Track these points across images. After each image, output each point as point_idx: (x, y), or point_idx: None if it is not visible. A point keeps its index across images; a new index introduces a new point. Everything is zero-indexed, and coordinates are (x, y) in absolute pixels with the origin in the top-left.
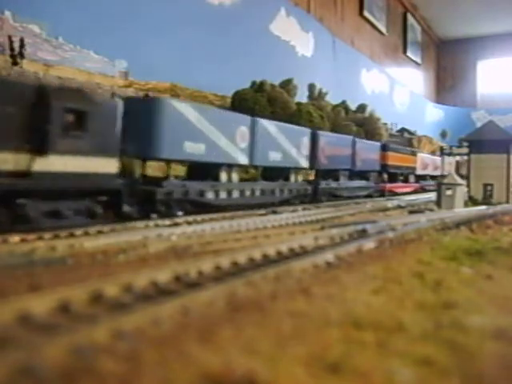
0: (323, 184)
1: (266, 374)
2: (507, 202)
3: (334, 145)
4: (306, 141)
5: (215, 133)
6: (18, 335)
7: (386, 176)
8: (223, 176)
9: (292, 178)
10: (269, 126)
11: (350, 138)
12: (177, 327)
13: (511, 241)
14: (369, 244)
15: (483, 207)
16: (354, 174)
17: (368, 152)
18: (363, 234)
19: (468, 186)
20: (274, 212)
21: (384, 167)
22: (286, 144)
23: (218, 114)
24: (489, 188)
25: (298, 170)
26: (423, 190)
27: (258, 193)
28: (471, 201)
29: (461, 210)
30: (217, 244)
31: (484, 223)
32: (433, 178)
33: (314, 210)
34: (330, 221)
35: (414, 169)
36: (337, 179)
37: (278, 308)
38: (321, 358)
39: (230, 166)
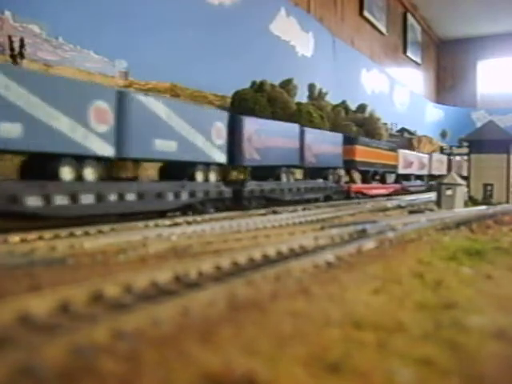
0: (252, 185)
1: (266, 374)
2: (507, 201)
3: (269, 134)
4: (220, 127)
5: None
6: (17, 335)
7: (356, 175)
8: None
9: (199, 176)
10: (151, 103)
11: (296, 126)
12: (177, 327)
13: (511, 241)
14: (369, 244)
15: (483, 207)
16: (312, 172)
17: (325, 145)
18: (363, 233)
19: (468, 186)
20: (274, 212)
21: (351, 164)
22: (187, 130)
23: None
24: (489, 188)
25: (208, 165)
26: (406, 191)
27: (130, 197)
28: (471, 201)
29: (461, 210)
30: (217, 244)
31: (484, 223)
32: (419, 177)
33: (314, 210)
34: (329, 221)
35: (394, 167)
36: (278, 178)
37: (278, 308)
38: (321, 358)
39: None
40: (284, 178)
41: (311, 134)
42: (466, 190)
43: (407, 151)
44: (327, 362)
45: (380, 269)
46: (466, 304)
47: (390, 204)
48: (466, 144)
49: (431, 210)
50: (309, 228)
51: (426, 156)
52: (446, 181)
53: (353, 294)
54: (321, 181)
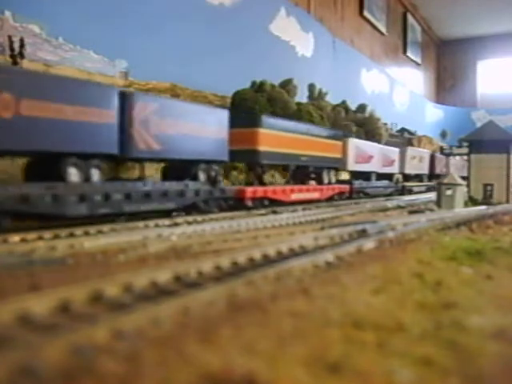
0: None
1: (266, 374)
2: (507, 201)
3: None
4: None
5: None
6: (17, 335)
7: (259, 170)
8: None
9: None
10: None
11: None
12: (177, 327)
13: (511, 241)
14: (369, 244)
15: (483, 207)
16: (175, 168)
17: (187, 124)
18: (363, 234)
19: (468, 186)
20: (274, 212)
21: (251, 156)
22: None
23: None
24: (489, 188)
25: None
26: (360, 195)
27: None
28: (471, 201)
29: (461, 210)
30: (217, 244)
31: (484, 223)
32: (385, 177)
33: (313, 210)
34: (329, 221)
35: (338, 162)
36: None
37: (278, 308)
38: (321, 357)
39: None
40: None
41: (149, 102)
42: (465, 190)
43: (363, 141)
44: (327, 362)
45: (380, 269)
46: (466, 304)
47: (390, 204)
48: (465, 144)
49: (431, 210)
50: (309, 228)
51: (396, 150)
52: (446, 181)
53: (353, 293)
54: (183, 183)
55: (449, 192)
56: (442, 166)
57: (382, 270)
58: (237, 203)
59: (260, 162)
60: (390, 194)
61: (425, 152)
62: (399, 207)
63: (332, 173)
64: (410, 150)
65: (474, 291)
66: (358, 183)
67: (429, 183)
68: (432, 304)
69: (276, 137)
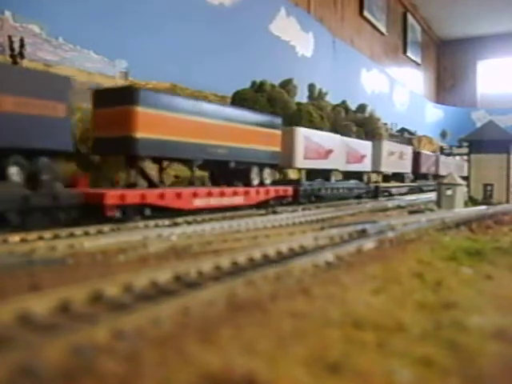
0: None
1: (266, 374)
2: (507, 201)
3: None
4: None
5: None
6: (17, 335)
7: (143, 166)
8: None
9: None
10: None
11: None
12: (177, 327)
13: (511, 241)
14: (369, 244)
15: (483, 207)
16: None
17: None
18: (363, 234)
19: (468, 186)
20: (274, 212)
21: (123, 146)
22: None
23: None
24: (489, 188)
25: None
26: (312, 198)
27: None
28: (471, 201)
29: (461, 210)
30: (217, 244)
31: (484, 223)
32: (354, 176)
33: (313, 210)
34: (329, 221)
35: (277, 157)
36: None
37: (278, 308)
38: (321, 357)
39: None
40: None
41: None
42: (466, 190)
43: (316, 132)
44: (327, 362)
45: (380, 269)
46: (466, 304)
47: (390, 204)
48: (465, 144)
49: (431, 210)
50: (309, 228)
51: (367, 144)
52: (446, 181)
53: (353, 294)
54: None
55: (449, 192)
56: (429, 165)
57: (382, 270)
58: (92, 214)
59: (137, 153)
60: (359, 197)
61: (407, 148)
62: (399, 207)
63: (267, 171)
64: (387, 145)
65: (474, 291)
66: (307, 184)
67: (412, 184)
68: (432, 304)
69: (167, 120)
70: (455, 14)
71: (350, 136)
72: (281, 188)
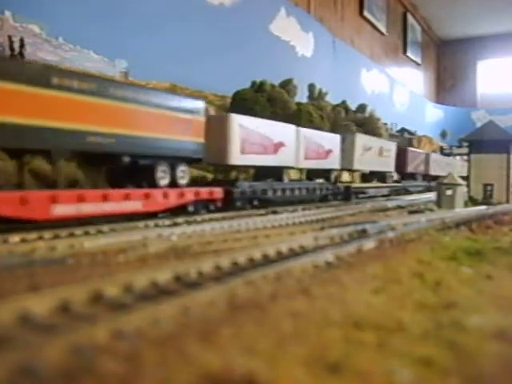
0: None
1: (266, 374)
2: (507, 201)
3: None
4: None
5: None
6: (17, 335)
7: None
8: None
9: None
10: None
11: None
12: (177, 327)
13: (511, 241)
14: (369, 244)
15: (483, 207)
16: None
17: None
18: (363, 234)
19: (468, 186)
20: (274, 212)
21: None
22: None
23: None
24: (489, 188)
25: None
26: (254, 202)
27: None
28: (471, 201)
29: (461, 210)
30: (217, 244)
31: (484, 223)
32: (322, 175)
33: (313, 210)
34: (329, 221)
35: (200, 150)
36: None
37: (278, 308)
38: (321, 357)
39: None
40: None
41: None
42: (465, 190)
43: (258, 120)
44: (327, 362)
45: (380, 269)
46: (466, 304)
47: (390, 204)
48: (465, 144)
49: (431, 210)
50: (309, 228)
51: (334, 137)
52: (446, 181)
53: (353, 294)
54: None
55: (449, 192)
56: (418, 164)
57: (382, 269)
58: None
59: None
60: (325, 200)
61: (389, 144)
62: (399, 207)
63: (181, 168)
64: (362, 139)
65: (474, 291)
66: (247, 185)
67: (395, 184)
68: (432, 304)
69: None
70: (455, 14)
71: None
72: (204, 190)
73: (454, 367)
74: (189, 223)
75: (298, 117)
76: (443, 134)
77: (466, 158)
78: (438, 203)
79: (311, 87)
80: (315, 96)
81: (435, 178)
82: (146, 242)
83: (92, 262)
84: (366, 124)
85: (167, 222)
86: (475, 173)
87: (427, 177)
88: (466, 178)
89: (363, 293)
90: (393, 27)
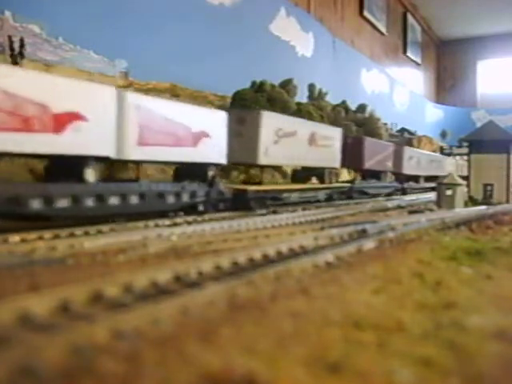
0: None
1: (266, 374)
2: (507, 201)
3: None
4: None
5: None
6: (17, 335)
7: None
8: None
9: None
10: None
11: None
12: (177, 327)
13: (511, 241)
14: (369, 244)
15: (483, 207)
16: None
17: None
18: (363, 234)
19: (468, 185)
20: (274, 212)
21: None
22: None
23: None
24: (489, 188)
25: None
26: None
27: None
28: (471, 201)
29: (461, 210)
30: (217, 244)
31: (484, 223)
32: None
33: (313, 210)
34: (329, 221)
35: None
36: None
37: (278, 308)
38: (321, 357)
39: None
40: None
41: None
42: (465, 190)
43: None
44: (327, 362)
45: (380, 269)
46: (466, 304)
47: (390, 204)
48: (465, 144)
49: (431, 210)
50: (309, 228)
51: (215, 114)
52: (446, 181)
53: (353, 294)
54: None
55: (449, 192)
56: (383, 159)
57: (382, 269)
58: None
59: None
60: (185, 212)
61: (328, 128)
62: (399, 207)
63: None
64: (273, 119)
65: (473, 291)
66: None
67: (343, 185)
68: (432, 304)
69: None
70: (455, 14)
71: None
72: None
73: (454, 367)
74: (189, 223)
75: (298, 117)
76: (443, 134)
77: (465, 157)
78: (438, 203)
79: (311, 87)
80: (315, 96)
81: (415, 178)
82: (146, 242)
83: (92, 262)
84: (366, 124)
85: (167, 221)
86: (475, 173)
87: (401, 176)
88: (466, 178)
89: (363, 293)
90: (393, 27)
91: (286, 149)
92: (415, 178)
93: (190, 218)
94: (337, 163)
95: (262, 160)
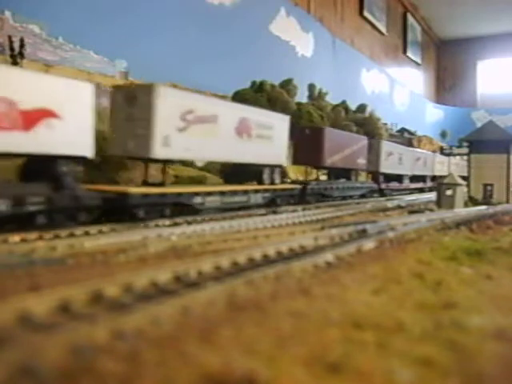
0: None
1: (266, 374)
2: (507, 201)
3: None
4: None
5: None
6: (17, 335)
7: None
8: None
9: None
10: None
11: None
12: (177, 327)
13: (511, 241)
14: (369, 244)
15: (483, 207)
16: None
17: None
18: (363, 234)
19: (468, 186)
20: (274, 212)
21: None
22: None
23: None
24: (489, 188)
25: None
26: None
27: None
28: (471, 201)
29: (461, 210)
30: (217, 244)
31: (484, 223)
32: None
33: (313, 210)
34: (329, 221)
35: None
36: None
37: (278, 308)
38: (321, 357)
39: None
40: None
41: None
42: (465, 190)
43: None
44: (327, 362)
45: (380, 269)
46: (466, 304)
47: (390, 204)
48: (465, 144)
49: (431, 210)
50: (309, 228)
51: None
52: (446, 181)
53: (353, 293)
54: None
55: (449, 192)
56: (352, 155)
57: (382, 269)
58: None
59: None
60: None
61: (264, 114)
62: (399, 207)
63: None
64: (172, 96)
65: (474, 291)
66: None
67: (292, 186)
68: (432, 304)
69: None
70: (455, 14)
71: None
72: None
73: (454, 367)
74: (189, 223)
75: (298, 117)
76: (443, 134)
77: (465, 157)
78: (438, 203)
79: (311, 87)
80: (315, 96)
81: (398, 178)
82: (146, 242)
83: (92, 261)
84: (366, 124)
85: (167, 221)
86: (475, 173)
87: (380, 176)
88: (466, 178)
89: (363, 293)
90: (393, 27)
91: (199, 139)
92: (398, 178)
93: (189, 218)
94: (282, 159)
95: (159, 153)
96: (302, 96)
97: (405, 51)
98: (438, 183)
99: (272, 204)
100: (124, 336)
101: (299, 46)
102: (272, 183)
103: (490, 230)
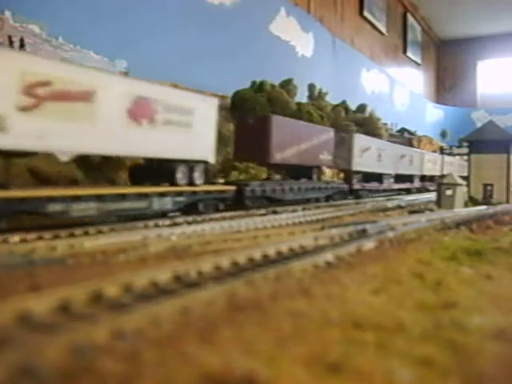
0: None
1: (266, 374)
2: (507, 201)
3: None
4: None
5: None
6: (17, 335)
7: None
8: None
9: None
10: None
11: None
12: (177, 327)
13: (511, 241)
14: (369, 244)
15: (483, 207)
16: None
17: None
18: (363, 234)
19: (468, 186)
20: (274, 212)
21: None
22: None
23: None
24: (489, 188)
25: None
26: None
27: None
28: (471, 201)
29: (461, 210)
30: (217, 244)
31: (484, 223)
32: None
33: (313, 210)
34: (329, 221)
35: None
36: None
37: (278, 308)
38: (321, 357)
39: None
40: None
41: None
42: (465, 190)
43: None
44: (327, 362)
45: (380, 269)
46: (466, 304)
47: (390, 204)
48: (465, 144)
49: (431, 210)
50: (309, 228)
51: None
52: (446, 181)
53: (353, 293)
54: None
55: (449, 192)
56: (314, 150)
57: (382, 269)
58: None
59: None
60: None
61: (181, 96)
62: (399, 207)
63: None
64: (9, 58)
65: (474, 291)
66: None
67: (222, 188)
68: (432, 304)
69: None
70: (455, 14)
71: None
72: None
73: (454, 367)
74: (189, 223)
75: (298, 117)
76: (443, 134)
77: (461, 157)
78: (438, 203)
79: (311, 87)
80: (315, 96)
81: (379, 177)
82: (146, 242)
83: (92, 261)
84: (366, 124)
85: (167, 221)
86: (475, 173)
87: (354, 175)
88: (466, 178)
89: (363, 293)
90: (393, 27)
91: (62, 123)
92: (378, 178)
93: (189, 218)
94: (206, 154)
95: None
96: (302, 96)
97: (405, 51)
98: (438, 183)
99: (192, 210)
100: (124, 336)
101: (299, 45)
102: (191, 184)
103: (490, 230)
